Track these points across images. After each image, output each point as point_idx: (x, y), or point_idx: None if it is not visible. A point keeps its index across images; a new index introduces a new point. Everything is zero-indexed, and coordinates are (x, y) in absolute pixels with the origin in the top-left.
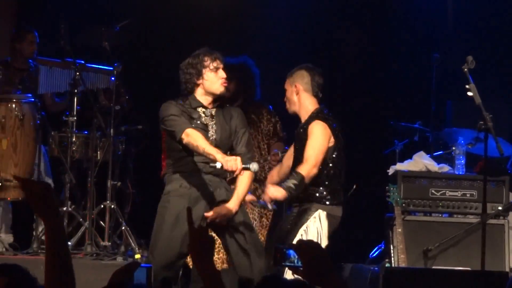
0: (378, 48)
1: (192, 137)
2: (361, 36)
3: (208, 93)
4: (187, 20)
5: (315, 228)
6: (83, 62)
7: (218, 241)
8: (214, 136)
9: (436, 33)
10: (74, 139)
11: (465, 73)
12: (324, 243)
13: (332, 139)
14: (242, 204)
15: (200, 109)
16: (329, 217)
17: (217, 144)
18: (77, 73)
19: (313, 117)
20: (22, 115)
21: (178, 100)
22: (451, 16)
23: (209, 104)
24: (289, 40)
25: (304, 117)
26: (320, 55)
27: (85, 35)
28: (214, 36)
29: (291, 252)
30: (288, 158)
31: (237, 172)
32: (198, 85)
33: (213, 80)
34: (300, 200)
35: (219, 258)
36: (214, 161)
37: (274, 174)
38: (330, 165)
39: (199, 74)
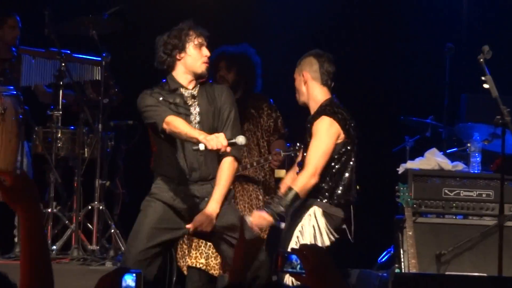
0: (388, 38)
1: (173, 124)
2: (370, 25)
3: (188, 71)
4: (181, 7)
5: (311, 226)
6: (69, 52)
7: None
8: (197, 119)
9: (449, 21)
10: (59, 135)
11: (480, 64)
12: (326, 240)
13: (342, 135)
14: (229, 200)
15: (179, 91)
16: (326, 215)
17: (201, 128)
18: (63, 64)
19: (320, 111)
20: (3, 109)
21: (156, 87)
22: (466, 3)
23: (189, 83)
24: (294, 29)
25: (313, 108)
26: (327, 45)
27: (71, 23)
28: (211, 22)
29: (293, 257)
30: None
31: (223, 150)
32: (178, 60)
33: (196, 57)
34: None
35: (216, 263)
36: (198, 143)
37: (289, 181)
38: (334, 161)
39: (182, 48)
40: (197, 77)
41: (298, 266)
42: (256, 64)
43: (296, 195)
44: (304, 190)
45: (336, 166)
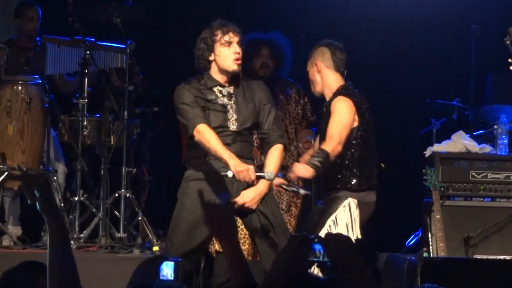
0: (413, 20)
1: (204, 136)
2: (396, 8)
3: (222, 70)
4: None
5: (345, 218)
6: (93, 40)
7: (244, 231)
8: (235, 117)
9: (475, 3)
10: (85, 123)
11: (507, 46)
12: (355, 234)
13: (357, 117)
14: (270, 188)
15: (216, 89)
16: (360, 205)
17: (238, 126)
18: (87, 52)
19: (336, 93)
20: (29, 98)
21: (194, 80)
22: None
23: (226, 82)
24: (316, 13)
25: (328, 95)
26: (351, 28)
27: (95, 11)
28: (238, 9)
29: (317, 246)
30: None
31: (250, 183)
32: (211, 61)
33: (225, 55)
34: (329, 189)
35: (244, 249)
36: (226, 166)
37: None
38: (356, 146)
39: (211, 50)
40: (232, 75)
41: (322, 256)
42: (285, 50)
43: (328, 156)
44: (333, 154)
45: (357, 153)
